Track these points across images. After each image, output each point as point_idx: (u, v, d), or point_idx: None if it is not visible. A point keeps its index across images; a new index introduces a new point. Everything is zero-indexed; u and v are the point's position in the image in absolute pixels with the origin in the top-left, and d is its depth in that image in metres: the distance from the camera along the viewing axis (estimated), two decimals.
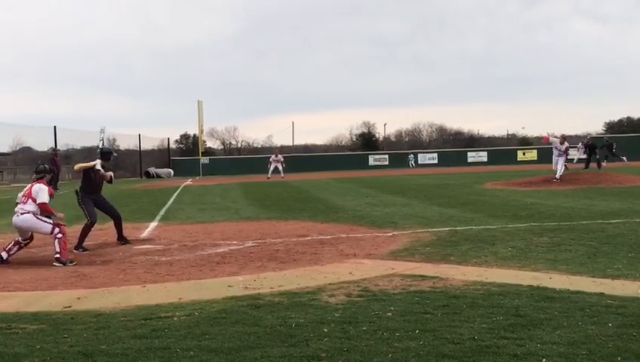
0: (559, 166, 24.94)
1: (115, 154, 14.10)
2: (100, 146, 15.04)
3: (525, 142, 76.41)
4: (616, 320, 5.56)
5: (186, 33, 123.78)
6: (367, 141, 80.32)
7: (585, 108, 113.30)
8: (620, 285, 7.02)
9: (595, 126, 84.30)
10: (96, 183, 11.76)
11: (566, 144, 25.77)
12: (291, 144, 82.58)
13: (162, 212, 18.50)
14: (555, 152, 25.80)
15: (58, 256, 9.78)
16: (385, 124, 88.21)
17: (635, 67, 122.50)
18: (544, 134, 27.35)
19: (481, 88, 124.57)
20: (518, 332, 5.31)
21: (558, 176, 24.57)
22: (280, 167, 41.14)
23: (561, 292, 6.71)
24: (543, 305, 6.17)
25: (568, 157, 26.60)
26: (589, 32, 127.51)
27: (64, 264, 9.68)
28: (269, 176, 40.91)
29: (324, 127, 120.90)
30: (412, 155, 61.46)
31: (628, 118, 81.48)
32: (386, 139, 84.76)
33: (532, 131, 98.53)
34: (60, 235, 9.89)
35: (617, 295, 6.50)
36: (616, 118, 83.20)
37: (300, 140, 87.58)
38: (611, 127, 79.56)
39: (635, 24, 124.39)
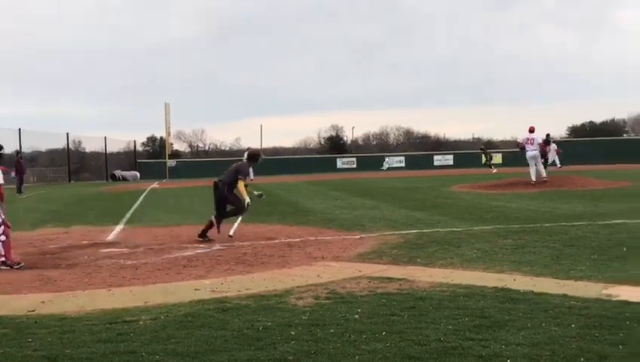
0: (539, 167, 24.63)
1: None
2: None
3: (490, 145, 77.15)
4: (579, 322, 5.65)
5: (155, 34, 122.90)
6: (336, 144, 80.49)
7: (549, 113, 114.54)
8: (583, 286, 7.13)
9: (559, 130, 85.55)
10: None
11: (532, 136, 24.70)
12: (260, 147, 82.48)
13: (128, 215, 18.35)
14: (531, 153, 24.39)
15: (3, 259, 9.59)
16: (353, 128, 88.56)
17: (597, 72, 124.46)
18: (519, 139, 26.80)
19: (447, 92, 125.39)
20: (483, 333, 5.37)
21: (544, 175, 24.75)
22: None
23: (525, 293, 6.80)
24: (507, 307, 6.25)
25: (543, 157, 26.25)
26: (554, 37, 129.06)
27: (11, 267, 9.49)
28: None
29: (293, 129, 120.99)
30: (387, 158, 61.80)
31: (590, 122, 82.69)
32: (354, 142, 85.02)
33: (497, 135, 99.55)
34: (2, 238, 9.67)
35: (580, 296, 6.60)
36: (579, 122, 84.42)
37: (269, 143, 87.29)
38: (574, 130, 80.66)
39: (598, 30, 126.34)
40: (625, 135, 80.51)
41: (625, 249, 9.43)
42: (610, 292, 6.79)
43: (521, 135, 26.07)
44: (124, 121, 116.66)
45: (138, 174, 55.40)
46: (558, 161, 38.85)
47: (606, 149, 56.47)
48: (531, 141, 24.45)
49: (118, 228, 14.87)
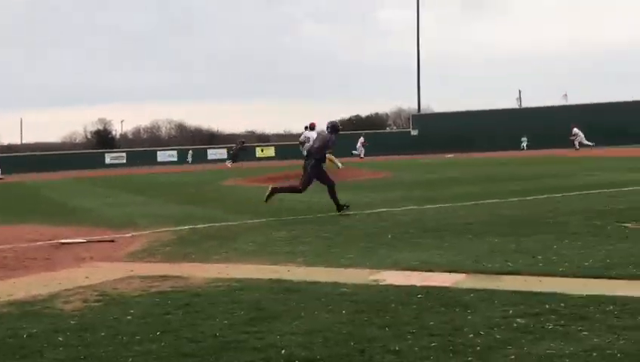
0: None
1: None
2: None
3: (264, 138, 78.65)
4: (350, 308, 5.87)
5: None
6: (103, 139, 77.73)
7: (321, 107, 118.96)
8: (352, 273, 7.43)
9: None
10: None
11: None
12: (20, 142, 77.37)
13: None
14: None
15: None
16: (122, 121, 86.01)
17: (363, 69, 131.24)
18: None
19: (221, 86, 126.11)
20: (258, 325, 5.40)
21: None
22: None
23: (298, 283, 6.95)
24: (282, 297, 6.34)
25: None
26: (321, 35, 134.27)
27: None
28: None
29: (57, 124, 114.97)
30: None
31: (357, 115, 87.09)
32: (124, 136, 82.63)
33: (270, 128, 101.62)
34: None
35: (350, 283, 6.87)
36: (346, 115, 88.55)
37: (30, 138, 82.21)
38: (342, 124, 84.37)
39: (364, 30, 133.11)
40: (387, 128, 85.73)
41: (390, 236, 9.98)
42: (377, 277, 7.13)
43: (295, 129, 26.45)
44: None
45: None
46: (362, 153, 40.55)
47: (372, 142, 59.73)
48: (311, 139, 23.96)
49: None
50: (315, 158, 13.03)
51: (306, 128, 25.03)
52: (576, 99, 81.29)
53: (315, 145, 13.33)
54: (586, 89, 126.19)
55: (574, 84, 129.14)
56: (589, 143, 46.47)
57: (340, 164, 13.18)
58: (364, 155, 41.96)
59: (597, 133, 49.87)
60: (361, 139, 48.94)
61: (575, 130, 47.89)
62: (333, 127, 13.47)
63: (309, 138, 22.91)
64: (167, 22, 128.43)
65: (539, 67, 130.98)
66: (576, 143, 47.03)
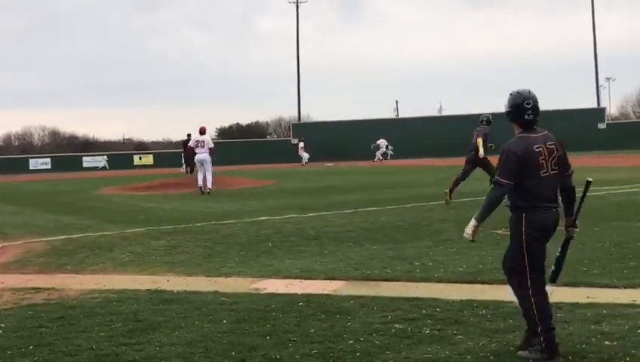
0: (208, 174, 22.12)
1: None
2: None
3: (142, 146, 77.01)
4: (230, 317, 5.85)
5: None
6: None
7: (203, 115, 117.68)
8: (232, 282, 7.41)
9: (209, 131, 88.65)
10: None
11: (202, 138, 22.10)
12: None
13: None
14: (201, 156, 21.59)
15: None
16: None
17: (243, 76, 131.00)
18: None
19: (95, 92, 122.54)
20: (137, 337, 5.29)
21: (210, 186, 24.22)
22: None
23: (178, 293, 6.86)
24: (161, 308, 6.24)
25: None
26: (198, 40, 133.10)
27: None
28: None
29: None
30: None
31: (237, 124, 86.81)
32: None
33: (149, 136, 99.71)
34: None
35: (230, 292, 6.85)
36: (227, 124, 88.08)
37: None
38: (222, 132, 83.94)
39: (242, 36, 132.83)
40: (268, 137, 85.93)
41: (271, 244, 10.01)
42: (258, 286, 7.15)
43: (175, 136, 25.83)
44: None
45: None
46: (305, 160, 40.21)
47: (253, 150, 59.71)
48: (202, 144, 21.74)
49: None
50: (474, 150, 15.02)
51: (189, 135, 24.58)
52: (452, 110, 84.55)
53: (475, 142, 15.02)
54: (461, 100, 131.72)
55: (451, 95, 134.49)
56: (380, 157, 51.25)
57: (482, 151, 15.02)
58: (308, 161, 41.97)
59: (466, 143, 52.57)
60: (301, 145, 49.16)
61: (379, 141, 51.65)
62: (488, 121, 15.28)
63: (202, 142, 21.56)
64: (36, 25, 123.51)
65: (417, 77, 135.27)
66: (378, 154, 51.35)
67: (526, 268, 4.66)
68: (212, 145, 21.74)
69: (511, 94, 4.81)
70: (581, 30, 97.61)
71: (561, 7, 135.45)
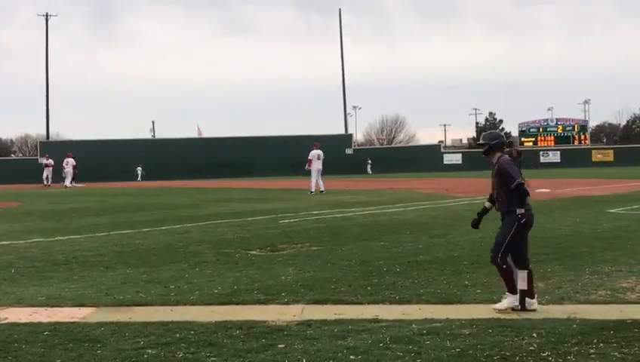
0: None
1: None
2: None
3: None
4: None
5: None
6: None
7: None
8: None
9: None
10: None
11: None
12: None
13: None
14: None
15: None
16: None
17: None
18: None
19: None
20: None
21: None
22: None
23: None
24: None
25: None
26: None
27: None
28: None
29: None
30: None
31: None
32: None
33: None
34: None
35: None
36: None
37: None
38: None
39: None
40: (13, 155, 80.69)
41: (13, 270, 9.35)
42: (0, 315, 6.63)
43: None
44: None
45: None
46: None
47: None
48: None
49: None
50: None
51: None
52: (212, 132, 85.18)
53: None
54: (219, 123, 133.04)
55: (209, 117, 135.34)
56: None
57: None
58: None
59: (224, 165, 54.48)
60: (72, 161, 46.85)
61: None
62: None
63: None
64: None
65: (174, 99, 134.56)
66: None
67: None
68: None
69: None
70: (333, 62, 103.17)
71: (314, 38, 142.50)
